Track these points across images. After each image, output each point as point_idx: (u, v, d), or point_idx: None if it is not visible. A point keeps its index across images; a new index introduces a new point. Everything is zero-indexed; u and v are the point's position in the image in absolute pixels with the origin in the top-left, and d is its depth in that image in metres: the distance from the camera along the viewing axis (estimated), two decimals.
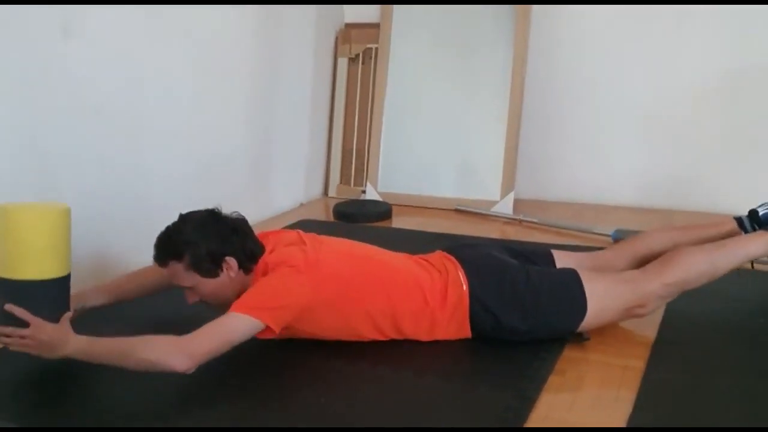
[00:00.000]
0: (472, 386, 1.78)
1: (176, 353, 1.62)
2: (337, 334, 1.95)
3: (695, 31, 3.51)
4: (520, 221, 3.42)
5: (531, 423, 1.61)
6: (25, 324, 1.68)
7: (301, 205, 3.79)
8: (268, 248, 1.92)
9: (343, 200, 3.79)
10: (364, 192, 3.87)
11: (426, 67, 3.84)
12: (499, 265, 2.05)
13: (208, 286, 1.84)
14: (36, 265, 1.71)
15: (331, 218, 3.52)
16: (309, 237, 1.98)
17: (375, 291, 1.92)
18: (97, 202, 2.44)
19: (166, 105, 2.77)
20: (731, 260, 2.05)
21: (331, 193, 4.00)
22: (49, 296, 1.74)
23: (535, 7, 3.67)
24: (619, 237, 3.01)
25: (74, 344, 1.67)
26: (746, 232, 2.29)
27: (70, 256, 1.79)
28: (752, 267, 2.20)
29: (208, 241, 1.82)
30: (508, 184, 3.62)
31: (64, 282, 1.77)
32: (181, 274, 1.83)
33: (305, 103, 3.82)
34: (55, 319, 1.71)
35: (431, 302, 1.95)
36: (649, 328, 2.09)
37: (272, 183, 3.58)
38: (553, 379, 1.81)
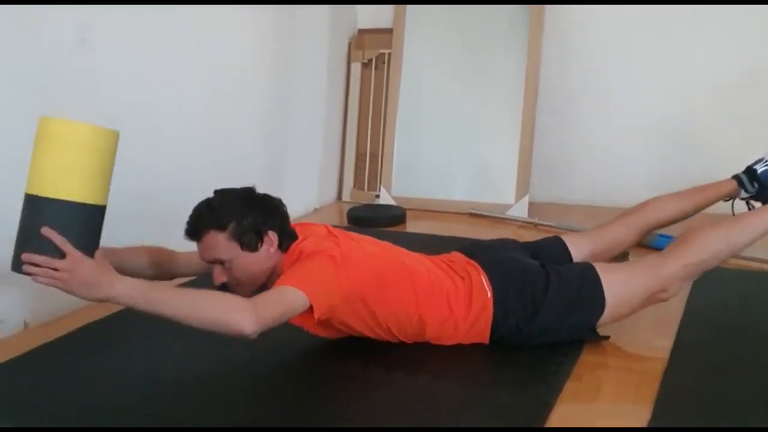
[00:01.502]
0: (488, 391, 1.77)
1: (248, 313, 1.52)
2: (363, 332, 1.94)
3: (710, 32, 3.49)
4: (535, 224, 3.40)
5: (548, 428, 1.60)
6: (59, 254, 1.50)
7: (315, 210, 3.80)
8: (300, 236, 1.89)
9: (357, 205, 3.79)
10: (377, 196, 3.87)
11: (439, 71, 3.84)
12: (521, 271, 2.02)
13: (245, 260, 1.78)
14: (82, 185, 1.51)
15: (345, 223, 3.52)
16: (339, 232, 1.95)
17: (405, 295, 1.91)
18: (113, 207, 2.44)
19: (180, 111, 2.79)
20: (747, 236, 1.99)
21: (345, 197, 4.00)
22: (89, 225, 1.54)
23: (549, 11, 3.66)
24: None
25: (122, 286, 1.51)
26: (746, 189, 2.36)
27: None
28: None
29: (253, 213, 1.79)
30: (523, 187, 3.61)
31: (102, 213, 1.59)
32: (221, 244, 1.76)
33: (319, 109, 3.83)
34: (90, 254, 1.54)
35: (456, 310, 1.94)
36: (667, 332, 2.07)
37: (286, 188, 3.58)
38: (570, 385, 1.80)
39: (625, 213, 2.33)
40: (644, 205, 2.34)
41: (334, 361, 1.91)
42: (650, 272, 1.96)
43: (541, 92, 3.69)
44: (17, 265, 1.52)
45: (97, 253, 1.57)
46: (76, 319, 2.22)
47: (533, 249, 2.22)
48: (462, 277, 1.99)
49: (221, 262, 1.79)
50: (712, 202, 2.38)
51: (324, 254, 1.77)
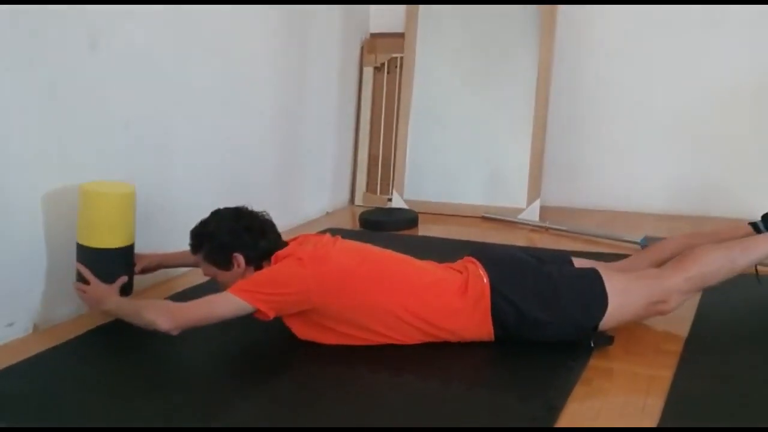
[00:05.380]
0: (498, 395, 1.77)
1: (164, 315, 1.86)
2: (361, 331, 1.97)
3: (723, 36, 3.47)
4: (547, 229, 3.40)
5: None
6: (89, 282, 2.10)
7: (328, 213, 3.81)
8: (293, 245, 2.05)
9: (369, 208, 3.79)
10: (390, 200, 3.87)
11: (451, 75, 3.85)
12: (518, 260, 2.10)
13: (224, 277, 2.04)
14: (101, 236, 2.13)
15: (358, 226, 3.53)
16: (328, 238, 2.10)
17: (385, 285, 1.97)
18: None
19: (193, 115, 2.80)
20: (749, 257, 2.05)
21: (358, 201, 4.01)
22: (107, 262, 2.14)
23: (561, 13, 3.65)
24: (647, 244, 2.98)
25: (112, 302, 2.05)
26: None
27: (133, 230, 2.20)
28: (757, 274, 2.17)
29: (221, 236, 2.02)
30: (535, 191, 3.61)
31: (122, 252, 2.16)
32: (202, 264, 2.08)
33: (331, 113, 3.84)
34: (112, 280, 2.11)
35: (447, 293, 1.98)
36: (676, 338, 2.06)
37: (299, 192, 3.60)
38: (579, 389, 1.79)
39: (639, 251, 2.41)
40: (659, 242, 2.41)
41: (344, 366, 1.92)
42: (651, 281, 2.00)
43: (553, 95, 3.68)
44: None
45: (117, 281, 2.13)
46: (83, 322, 2.23)
47: (537, 256, 2.24)
48: (459, 271, 2.04)
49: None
50: None
51: (292, 257, 1.96)
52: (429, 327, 1.98)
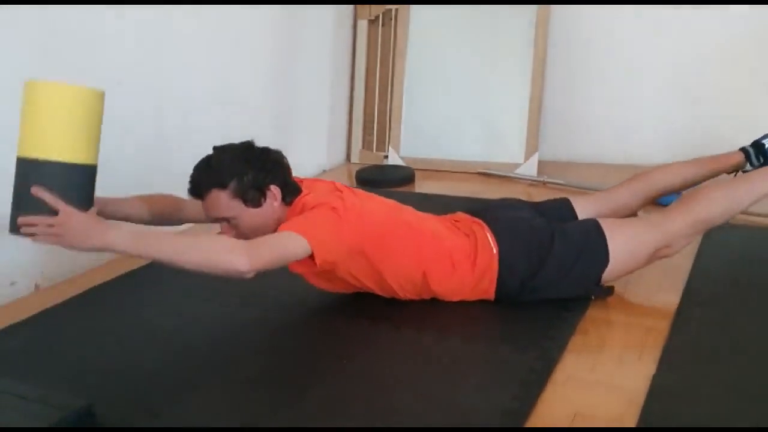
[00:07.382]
0: (494, 347, 1.79)
1: (240, 252, 1.57)
2: (369, 285, 1.95)
3: None
4: (545, 183, 3.39)
5: (553, 383, 1.61)
6: (52, 212, 1.53)
7: (324, 171, 3.79)
8: (305, 191, 1.89)
9: (365, 166, 3.78)
10: (386, 157, 3.85)
11: (447, 28, 3.79)
12: (527, 228, 2.03)
13: (250, 216, 1.79)
14: (69, 145, 1.54)
15: (354, 184, 3.52)
16: (344, 188, 1.94)
17: (406, 251, 1.92)
18: (117, 170, 2.44)
19: (187, 72, 2.78)
20: (752, 194, 2.01)
21: (354, 159, 3.99)
22: (79, 184, 1.58)
23: None
24: None
25: (114, 234, 1.54)
26: (752, 164, 2.35)
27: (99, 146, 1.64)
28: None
29: (254, 168, 1.79)
30: (532, 145, 3.58)
31: (93, 172, 1.62)
32: (224, 203, 1.77)
33: (326, 68, 3.80)
34: (83, 211, 1.57)
35: (459, 267, 1.95)
36: (673, 289, 2.06)
37: (294, 150, 3.51)
38: (575, 339, 1.80)
39: (632, 178, 2.32)
40: (651, 171, 2.34)
41: (343, 319, 1.93)
42: (656, 228, 1.97)
43: (550, 50, 3.63)
44: (15, 228, 1.57)
45: (91, 210, 1.60)
46: (85, 281, 2.25)
47: (540, 208, 2.22)
48: (467, 235, 1.99)
49: (226, 220, 1.80)
50: (718, 173, 2.34)
51: (326, 206, 1.78)
52: (431, 294, 1.98)
